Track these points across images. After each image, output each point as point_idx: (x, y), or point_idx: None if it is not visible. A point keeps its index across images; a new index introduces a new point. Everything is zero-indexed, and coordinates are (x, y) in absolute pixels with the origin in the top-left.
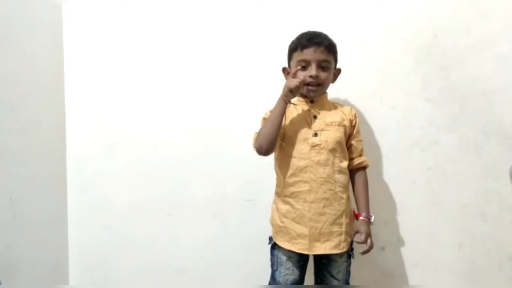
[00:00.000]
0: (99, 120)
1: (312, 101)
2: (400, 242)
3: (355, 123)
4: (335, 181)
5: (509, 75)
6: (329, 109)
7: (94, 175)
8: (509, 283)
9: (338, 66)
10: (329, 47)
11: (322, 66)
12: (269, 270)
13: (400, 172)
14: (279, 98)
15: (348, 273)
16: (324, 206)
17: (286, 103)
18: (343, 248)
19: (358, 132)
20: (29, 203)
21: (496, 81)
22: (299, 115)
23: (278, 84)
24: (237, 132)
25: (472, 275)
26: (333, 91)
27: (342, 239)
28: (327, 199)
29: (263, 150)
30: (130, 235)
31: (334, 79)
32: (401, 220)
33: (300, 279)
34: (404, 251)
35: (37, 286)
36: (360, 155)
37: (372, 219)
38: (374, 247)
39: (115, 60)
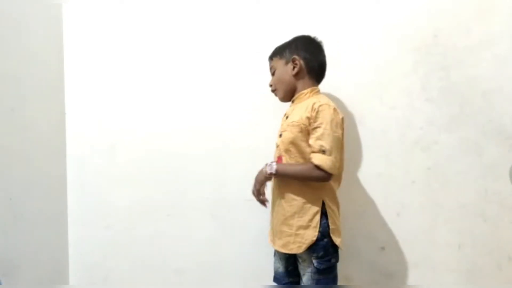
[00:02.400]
0: (99, 120)
1: (293, 101)
2: (400, 242)
3: (314, 116)
4: (287, 182)
5: (509, 75)
6: (299, 108)
7: (94, 175)
8: (509, 283)
9: (341, 68)
10: (271, 55)
11: (271, 72)
12: (269, 270)
13: (400, 172)
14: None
15: (315, 280)
16: (278, 205)
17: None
18: (291, 250)
19: (318, 126)
20: (29, 203)
21: (496, 81)
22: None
23: None
24: (237, 132)
25: (472, 275)
26: (333, 91)
27: (291, 241)
28: (280, 198)
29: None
30: (130, 235)
31: (294, 69)
32: (401, 220)
33: (287, 271)
34: (404, 251)
35: (37, 286)
36: (320, 152)
37: (271, 168)
38: (374, 247)
39: (115, 60)
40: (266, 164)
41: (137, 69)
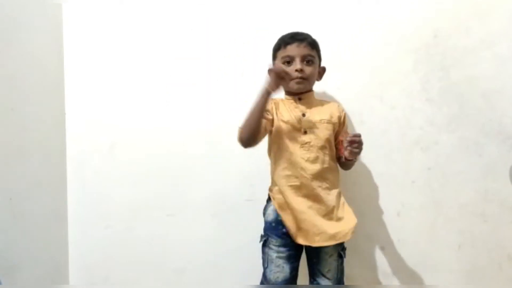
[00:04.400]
0: (99, 120)
1: (300, 99)
2: (400, 242)
3: (343, 119)
4: (324, 178)
5: (509, 75)
6: (317, 107)
7: (94, 175)
8: (509, 283)
9: (341, 68)
10: (312, 43)
11: (307, 60)
12: None
13: (400, 172)
14: (262, 87)
15: (340, 272)
16: (314, 201)
17: (269, 93)
18: (339, 239)
19: (346, 129)
20: (29, 203)
21: (496, 81)
22: (288, 113)
23: None
24: (237, 132)
25: (472, 275)
26: (333, 91)
27: (335, 232)
28: (316, 195)
29: (244, 141)
30: (130, 235)
31: (319, 77)
32: (401, 220)
33: (291, 277)
34: (404, 251)
35: (37, 286)
36: None
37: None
38: (374, 247)
39: (115, 60)
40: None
41: (137, 69)
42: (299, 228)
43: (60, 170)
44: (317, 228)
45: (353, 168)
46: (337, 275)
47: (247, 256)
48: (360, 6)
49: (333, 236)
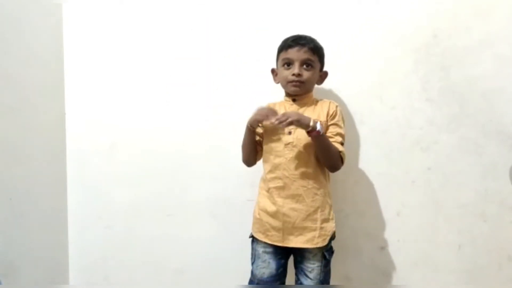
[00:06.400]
0: (99, 120)
1: (294, 100)
2: (400, 242)
3: (334, 113)
4: (308, 178)
5: (509, 75)
6: (310, 107)
7: (94, 175)
8: (509, 283)
9: (341, 68)
10: (314, 48)
11: (306, 64)
12: None
13: (400, 172)
14: (246, 126)
15: (324, 273)
16: (297, 202)
17: (253, 130)
18: (317, 244)
19: (336, 122)
20: (29, 203)
21: (496, 81)
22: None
23: (278, 84)
24: (237, 132)
25: (472, 275)
26: (333, 91)
27: (316, 235)
28: (299, 195)
29: (245, 163)
30: (130, 235)
31: (320, 81)
32: (401, 220)
33: (277, 274)
34: (404, 251)
35: (37, 286)
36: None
37: (317, 125)
38: (374, 247)
39: (115, 60)
40: (310, 119)
41: (137, 69)
42: (279, 229)
43: (60, 170)
44: (296, 230)
45: (353, 168)
46: (320, 276)
47: (247, 256)
48: (360, 6)
49: (311, 239)
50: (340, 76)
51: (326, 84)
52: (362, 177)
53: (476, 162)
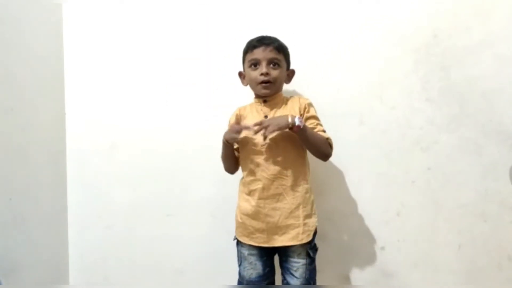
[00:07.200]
0: (99, 120)
1: (265, 101)
2: (400, 242)
3: (306, 107)
4: (286, 176)
5: (509, 75)
6: (281, 106)
7: (94, 175)
8: (509, 283)
9: (341, 68)
10: (279, 47)
11: (273, 63)
12: None
13: (400, 172)
14: (222, 141)
15: (309, 271)
16: (277, 201)
17: (230, 144)
18: (302, 240)
19: (312, 115)
20: (29, 203)
21: (496, 81)
22: (252, 116)
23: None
24: None
25: (472, 275)
26: (333, 91)
27: (301, 231)
28: (280, 194)
29: (228, 172)
30: (130, 235)
31: (288, 79)
32: (401, 220)
33: (264, 274)
34: (404, 251)
35: (37, 286)
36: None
37: (300, 121)
38: (374, 247)
39: (115, 60)
40: (289, 115)
41: (137, 69)
42: (263, 230)
43: (60, 170)
44: (280, 229)
45: (353, 168)
46: (305, 274)
47: None
48: (360, 6)
49: (295, 236)
50: (340, 76)
51: (327, 84)
52: (362, 177)
53: (476, 162)
